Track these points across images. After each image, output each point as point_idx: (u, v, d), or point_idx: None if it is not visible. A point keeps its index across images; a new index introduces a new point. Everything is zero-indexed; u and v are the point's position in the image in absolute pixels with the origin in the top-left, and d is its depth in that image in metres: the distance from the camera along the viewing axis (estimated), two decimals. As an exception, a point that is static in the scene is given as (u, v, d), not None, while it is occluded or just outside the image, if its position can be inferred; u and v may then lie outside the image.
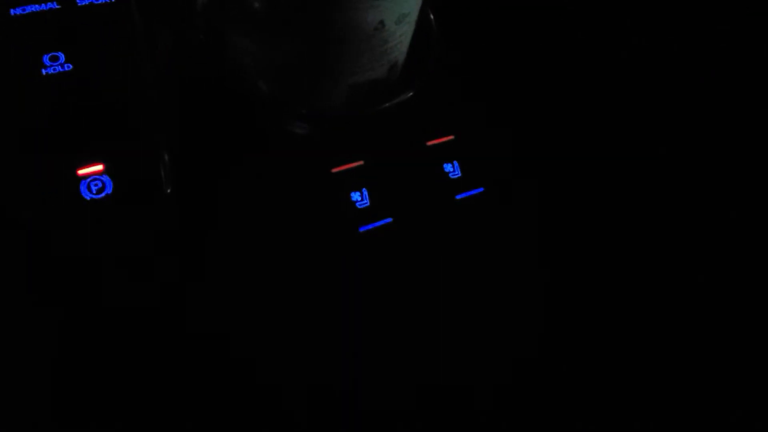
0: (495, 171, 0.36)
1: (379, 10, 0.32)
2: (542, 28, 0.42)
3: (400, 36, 0.35)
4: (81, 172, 0.29)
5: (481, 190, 0.35)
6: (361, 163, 0.34)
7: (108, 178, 0.29)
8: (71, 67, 0.31)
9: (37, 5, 0.32)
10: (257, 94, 0.36)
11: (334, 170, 0.34)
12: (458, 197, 0.35)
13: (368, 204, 0.33)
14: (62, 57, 0.31)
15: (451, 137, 0.37)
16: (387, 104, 0.37)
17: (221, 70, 0.36)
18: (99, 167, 0.30)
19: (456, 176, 0.36)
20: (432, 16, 0.40)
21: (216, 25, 0.36)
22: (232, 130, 0.34)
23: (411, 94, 0.37)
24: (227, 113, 0.35)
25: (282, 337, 0.30)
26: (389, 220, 0.33)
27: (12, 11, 0.31)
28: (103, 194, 0.29)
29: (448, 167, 0.36)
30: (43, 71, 0.31)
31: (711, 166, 0.41)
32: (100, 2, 0.33)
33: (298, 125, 0.35)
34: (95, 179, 0.29)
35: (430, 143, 0.36)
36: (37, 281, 0.28)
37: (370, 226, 0.33)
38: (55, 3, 0.32)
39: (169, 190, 0.30)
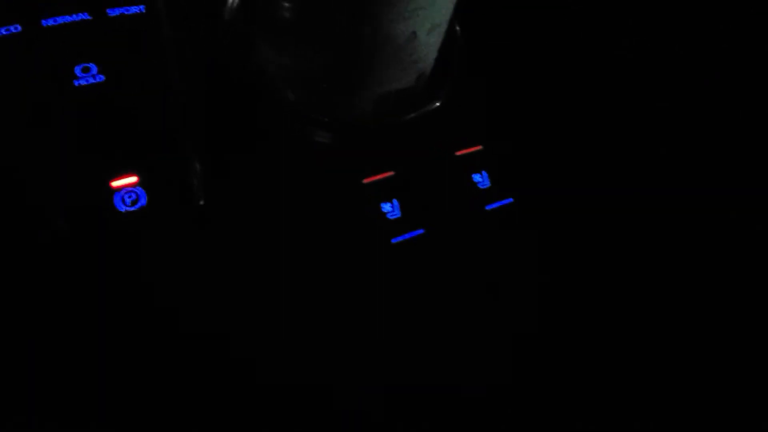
0: (524, 181, 0.36)
1: (412, 22, 0.32)
2: (569, 37, 0.42)
3: (430, 46, 0.35)
4: (115, 184, 0.29)
5: (510, 200, 0.35)
6: (391, 173, 0.34)
7: (142, 190, 0.29)
8: (103, 78, 0.31)
9: (68, 16, 0.32)
10: (285, 103, 0.35)
11: (366, 181, 0.33)
12: (488, 208, 0.35)
13: (399, 215, 0.33)
14: (94, 68, 0.31)
15: (479, 147, 0.37)
16: (414, 114, 0.37)
17: (248, 78, 0.35)
18: (133, 179, 0.29)
19: (485, 186, 0.36)
20: (457, 26, 0.40)
21: (243, 34, 0.36)
22: (260, 140, 0.34)
23: (438, 104, 0.37)
24: (255, 122, 0.35)
25: (315, 347, 0.30)
26: (421, 231, 0.33)
27: (44, 22, 0.31)
28: (137, 206, 0.29)
29: (477, 177, 0.36)
30: (76, 82, 0.31)
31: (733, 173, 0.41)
32: (130, 12, 0.32)
33: (327, 135, 0.35)
34: (129, 191, 0.29)
35: (459, 153, 0.36)
36: (73, 293, 0.28)
37: (403, 238, 0.32)
38: (86, 14, 0.32)
39: (202, 202, 0.30)
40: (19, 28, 0.31)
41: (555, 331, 0.34)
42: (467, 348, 0.32)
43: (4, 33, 0.30)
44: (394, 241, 0.32)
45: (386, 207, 0.33)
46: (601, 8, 0.43)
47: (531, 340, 0.33)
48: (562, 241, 0.35)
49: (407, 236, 0.33)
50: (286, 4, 0.32)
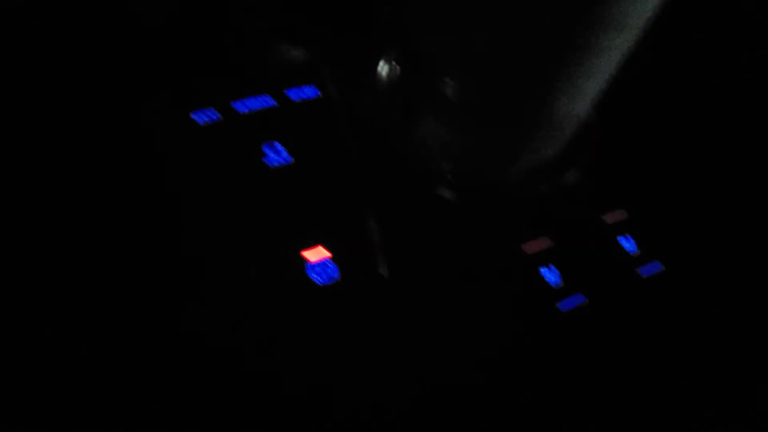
0: (672, 246, 0.37)
1: (575, 99, 0.34)
2: (706, 99, 0.43)
3: (581, 119, 0.37)
4: (309, 258, 0.32)
5: (660, 266, 0.37)
6: (548, 239, 0.36)
7: (334, 264, 0.32)
8: (291, 159, 0.34)
9: (256, 99, 0.35)
10: (440, 172, 0.38)
11: (525, 247, 0.35)
12: (640, 273, 0.36)
13: (559, 282, 0.35)
14: (282, 150, 0.34)
15: (625, 211, 0.38)
16: (558, 181, 0.39)
17: (406, 148, 0.38)
18: (325, 254, 0.32)
19: (634, 252, 0.37)
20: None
21: (404, 106, 0.39)
22: (422, 209, 0.36)
23: (582, 170, 0.39)
24: (415, 192, 0.37)
25: (492, 411, 0.32)
26: (581, 297, 0.34)
27: (234, 105, 0.34)
28: (329, 280, 0.31)
29: (624, 242, 0.37)
30: (266, 161, 0.33)
31: None
32: (311, 98, 0.35)
33: (479, 203, 0.37)
34: (322, 265, 0.32)
35: (605, 218, 0.38)
36: (260, 358, 0.31)
37: (566, 305, 0.34)
38: (273, 100, 0.35)
39: (385, 275, 0.32)
40: (217, 115, 0.34)
41: (714, 402, 0.34)
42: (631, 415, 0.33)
43: (207, 120, 0.33)
44: (559, 307, 0.34)
45: (546, 273, 0.35)
46: (735, 64, 0.44)
47: (691, 412, 0.34)
48: (717, 308, 0.36)
49: (569, 303, 0.34)
50: (451, 83, 0.35)
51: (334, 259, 0.32)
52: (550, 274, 0.35)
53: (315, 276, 0.31)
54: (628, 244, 0.37)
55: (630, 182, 0.40)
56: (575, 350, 0.33)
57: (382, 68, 0.40)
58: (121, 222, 0.32)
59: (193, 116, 0.33)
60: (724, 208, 0.39)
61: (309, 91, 0.36)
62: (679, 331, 0.35)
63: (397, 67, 0.40)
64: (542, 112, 0.33)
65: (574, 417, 0.32)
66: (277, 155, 0.34)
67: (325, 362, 0.30)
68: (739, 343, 0.36)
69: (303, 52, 0.37)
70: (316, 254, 0.32)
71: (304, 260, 0.32)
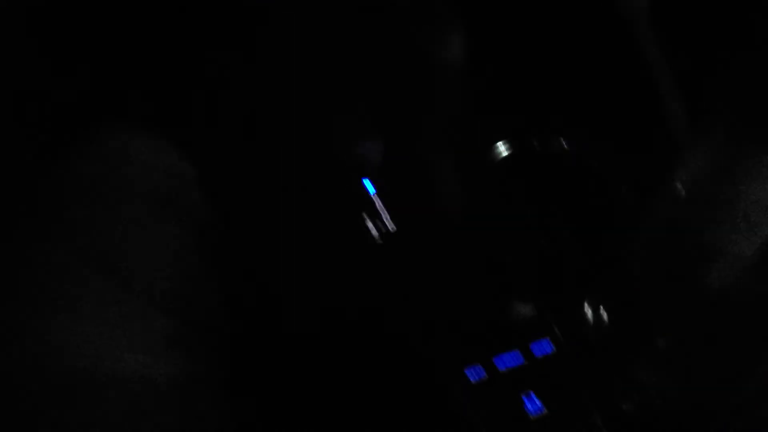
0: None
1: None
2: None
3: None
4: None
5: None
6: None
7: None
8: (544, 408, 0.43)
9: (510, 356, 0.44)
10: (649, 409, 0.45)
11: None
12: None
13: None
14: (536, 399, 0.43)
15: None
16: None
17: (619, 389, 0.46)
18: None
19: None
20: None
21: (610, 352, 0.47)
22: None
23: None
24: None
25: None
26: None
27: (495, 361, 0.44)
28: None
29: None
30: (527, 410, 0.42)
31: None
32: (548, 352, 0.45)
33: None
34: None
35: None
36: None
37: None
38: (521, 356, 0.44)
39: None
40: (483, 373, 0.43)
41: None
42: None
43: (476, 378, 0.43)
44: None
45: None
46: None
47: None
48: None
49: None
50: (666, 337, 0.43)
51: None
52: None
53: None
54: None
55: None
56: None
57: (588, 312, 0.50)
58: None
59: (467, 372, 0.43)
60: None
61: (546, 346, 0.45)
62: None
63: (604, 314, 0.50)
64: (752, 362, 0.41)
65: None
66: (533, 404, 0.42)
67: None
68: None
69: (533, 307, 0.47)
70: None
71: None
